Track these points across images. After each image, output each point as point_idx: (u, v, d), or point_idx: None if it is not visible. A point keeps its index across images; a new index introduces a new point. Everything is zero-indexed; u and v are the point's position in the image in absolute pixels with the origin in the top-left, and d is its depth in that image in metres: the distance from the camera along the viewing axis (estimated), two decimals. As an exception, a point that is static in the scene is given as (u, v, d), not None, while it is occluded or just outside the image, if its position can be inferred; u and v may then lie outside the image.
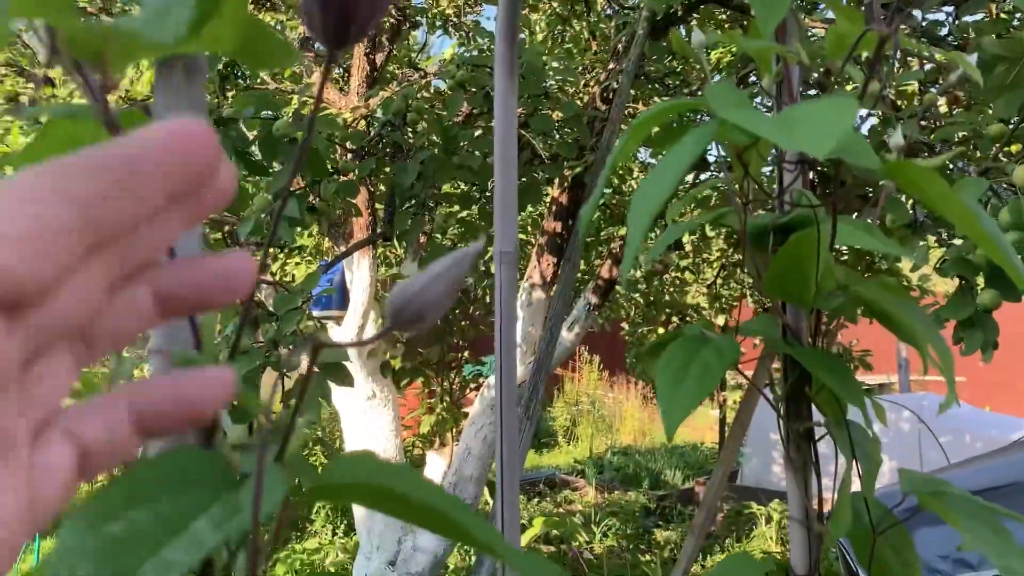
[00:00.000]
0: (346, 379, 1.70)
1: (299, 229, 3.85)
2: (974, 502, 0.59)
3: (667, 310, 4.50)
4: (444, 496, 0.34)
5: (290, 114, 1.84)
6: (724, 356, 0.52)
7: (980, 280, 1.50)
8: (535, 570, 0.37)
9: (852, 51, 0.46)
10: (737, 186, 0.56)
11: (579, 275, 4.69)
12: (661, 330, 4.96)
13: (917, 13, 1.80)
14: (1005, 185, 1.37)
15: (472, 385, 3.94)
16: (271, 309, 1.90)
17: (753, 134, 0.46)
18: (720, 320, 4.58)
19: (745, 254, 0.57)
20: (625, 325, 5.03)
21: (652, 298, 4.51)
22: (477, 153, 1.93)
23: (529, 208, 4.02)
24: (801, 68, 0.65)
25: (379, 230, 2.28)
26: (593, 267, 4.30)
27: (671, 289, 4.63)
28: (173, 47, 0.30)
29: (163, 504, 0.29)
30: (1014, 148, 1.61)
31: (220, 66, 2.21)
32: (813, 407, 0.69)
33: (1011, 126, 1.43)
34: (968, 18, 1.93)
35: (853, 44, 0.46)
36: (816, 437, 0.65)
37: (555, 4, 3.81)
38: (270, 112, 1.87)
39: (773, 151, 0.64)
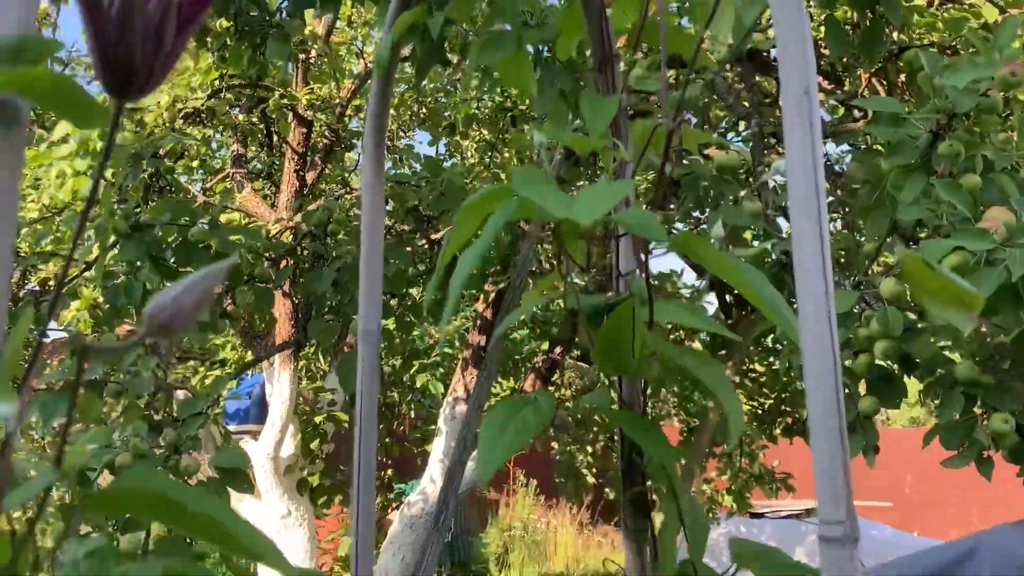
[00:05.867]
0: (245, 486, 1.67)
1: (220, 341, 3.81)
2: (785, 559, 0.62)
3: (594, 428, 4.53)
4: (224, 507, 0.36)
5: (207, 220, 1.88)
6: (542, 413, 0.56)
7: (862, 388, 1.59)
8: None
9: (646, 146, 0.54)
10: (566, 261, 0.61)
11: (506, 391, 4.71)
12: (590, 448, 4.97)
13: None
14: (875, 298, 1.48)
15: (394, 505, 3.85)
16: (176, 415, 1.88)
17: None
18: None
19: (581, 332, 0.62)
20: (555, 444, 5.03)
21: (580, 416, 4.54)
22: (392, 262, 1.99)
23: (456, 322, 4.08)
24: (632, 166, 0.72)
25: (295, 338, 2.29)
26: (519, 386, 4.34)
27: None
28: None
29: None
30: (887, 260, 1.73)
31: (145, 175, 2.26)
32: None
33: (878, 243, 1.56)
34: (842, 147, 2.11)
35: (647, 138, 0.54)
36: (652, 508, 0.68)
37: (484, 131, 4.00)
38: (187, 219, 1.91)
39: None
